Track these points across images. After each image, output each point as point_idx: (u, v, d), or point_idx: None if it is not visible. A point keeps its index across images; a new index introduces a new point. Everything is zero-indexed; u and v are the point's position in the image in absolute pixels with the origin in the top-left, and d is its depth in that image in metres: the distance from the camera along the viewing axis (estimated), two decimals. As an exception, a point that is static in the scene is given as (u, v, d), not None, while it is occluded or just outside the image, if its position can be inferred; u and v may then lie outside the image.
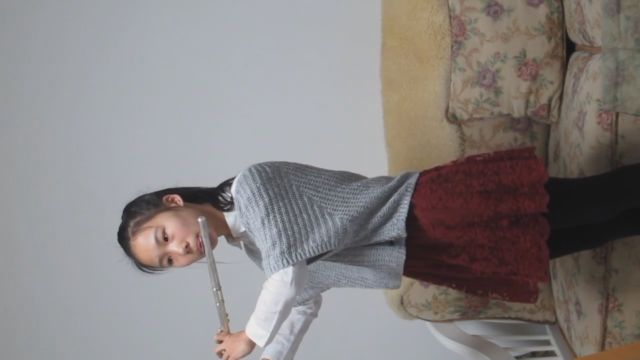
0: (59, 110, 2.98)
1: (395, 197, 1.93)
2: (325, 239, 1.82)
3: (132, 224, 1.93)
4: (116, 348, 3.12)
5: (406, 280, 2.73)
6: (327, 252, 1.87)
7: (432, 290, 2.75)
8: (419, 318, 2.84)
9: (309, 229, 1.83)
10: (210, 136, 3.01)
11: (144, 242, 1.91)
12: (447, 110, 2.62)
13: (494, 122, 2.66)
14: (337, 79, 3.00)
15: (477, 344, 2.71)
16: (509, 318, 2.83)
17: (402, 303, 2.80)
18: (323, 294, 2.19)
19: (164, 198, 1.96)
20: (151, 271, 1.97)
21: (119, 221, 1.97)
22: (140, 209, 1.94)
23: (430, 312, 2.79)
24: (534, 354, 2.98)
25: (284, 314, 1.82)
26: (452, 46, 2.55)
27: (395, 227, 1.92)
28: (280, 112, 3.02)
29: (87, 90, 2.97)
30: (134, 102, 2.98)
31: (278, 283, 1.79)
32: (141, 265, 1.95)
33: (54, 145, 3.00)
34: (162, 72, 2.98)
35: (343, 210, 1.88)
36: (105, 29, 2.94)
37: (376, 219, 1.91)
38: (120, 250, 1.96)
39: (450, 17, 2.53)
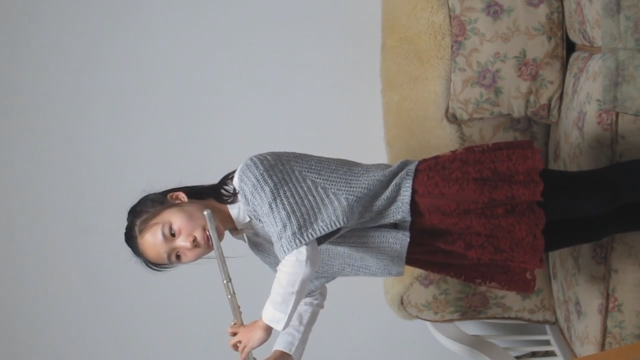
0: (58, 111, 2.97)
1: (396, 180, 1.97)
2: (333, 218, 1.85)
3: (138, 222, 1.94)
4: (125, 349, 3.12)
5: (406, 280, 2.73)
6: (337, 231, 1.89)
7: (432, 290, 2.75)
8: (419, 318, 2.84)
9: (316, 210, 1.85)
10: (210, 137, 3.01)
11: (152, 238, 1.92)
12: (447, 110, 2.62)
13: (494, 122, 2.66)
14: (337, 79, 3.00)
15: (477, 344, 2.72)
16: (509, 318, 2.83)
17: (402, 303, 2.80)
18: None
19: (168, 196, 1.98)
20: (159, 269, 1.98)
21: (120, 221, 1.98)
22: (145, 208, 1.96)
23: (430, 312, 2.79)
24: (534, 354, 2.98)
25: (300, 294, 1.83)
26: (452, 46, 2.55)
27: (400, 210, 1.95)
28: (281, 113, 3.02)
29: (87, 91, 2.97)
30: (134, 103, 2.98)
31: (293, 263, 1.81)
32: (149, 263, 1.96)
33: (54, 145, 2.99)
34: (162, 72, 2.97)
35: (347, 191, 1.91)
36: (105, 29, 2.94)
37: (380, 201, 1.94)
38: (128, 250, 1.96)
39: (450, 17, 2.53)
